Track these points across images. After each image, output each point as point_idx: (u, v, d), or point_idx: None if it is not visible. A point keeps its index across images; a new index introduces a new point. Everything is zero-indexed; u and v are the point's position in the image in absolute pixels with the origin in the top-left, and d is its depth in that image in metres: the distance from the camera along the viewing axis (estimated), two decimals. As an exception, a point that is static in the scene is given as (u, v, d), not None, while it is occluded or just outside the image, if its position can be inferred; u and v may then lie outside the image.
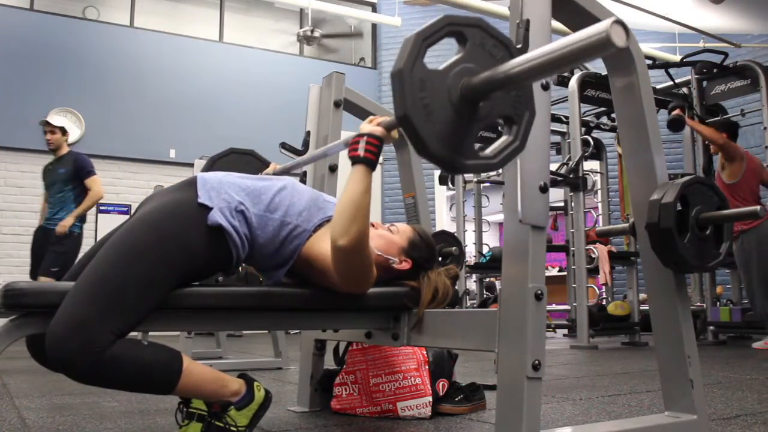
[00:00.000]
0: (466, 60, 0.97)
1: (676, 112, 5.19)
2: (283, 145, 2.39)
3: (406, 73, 0.90)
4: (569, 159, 5.30)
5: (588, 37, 0.80)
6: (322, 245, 1.50)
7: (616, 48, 0.77)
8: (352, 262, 1.44)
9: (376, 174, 1.61)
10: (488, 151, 1.00)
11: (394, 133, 1.46)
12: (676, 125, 5.12)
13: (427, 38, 0.93)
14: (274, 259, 1.54)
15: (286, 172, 2.11)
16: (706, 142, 5.17)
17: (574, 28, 1.48)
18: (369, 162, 1.42)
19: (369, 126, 1.45)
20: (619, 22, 0.78)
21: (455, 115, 0.95)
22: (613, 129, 5.88)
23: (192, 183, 1.50)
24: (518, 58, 0.93)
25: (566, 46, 0.84)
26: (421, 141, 0.92)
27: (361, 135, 1.43)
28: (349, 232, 1.39)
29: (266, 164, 2.27)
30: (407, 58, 0.91)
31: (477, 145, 1.00)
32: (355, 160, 1.43)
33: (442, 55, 0.98)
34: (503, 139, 1.02)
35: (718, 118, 5.64)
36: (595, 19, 1.44)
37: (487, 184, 7.40)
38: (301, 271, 1.54)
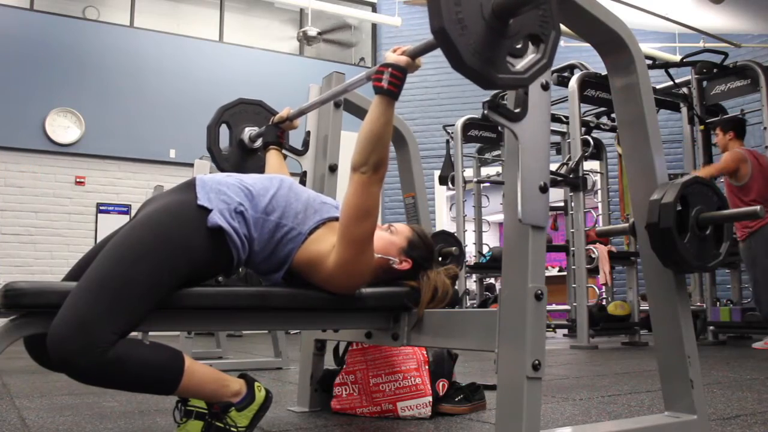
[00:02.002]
0: None
1: None
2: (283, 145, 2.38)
3: None
4: (569, 159, 5.30)
5: None
6: (317, 247, 1.50)
7: None
8: (367, 195, 1.44)
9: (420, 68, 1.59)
10: (518, 67, 1.03)
11: (419, 61, 1.46)
12: None
13: None
14: (271, 261, 1.54)
15: (300, 114, 2.08)
16: (714, 141, 5.13)
17: (574, 29, 1.49)
18: (392, 94, 1.42)
19: (393, 56, 1.44)
20: None
21: (488, 30, 0.98)
22: (613, 129, 5.88)
23: (191, 185, 1.50)
24: None
25: None
26: (456, 53, 0.94)
27: (385, 65, 1.43)
28: (370, 160, 1.43)
29: (275, 114, 2.22)
30: None
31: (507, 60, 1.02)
32: (378, 90, 1.43)
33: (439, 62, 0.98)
34: (532, 56, 1.05)
35: (718, 118, 5.64)
36: (595, 20, 1.44)
37: (487, 184, 7.40)
38: (298, 273, 1.55)
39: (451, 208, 7.18)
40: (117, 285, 1.29)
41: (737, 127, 4.82)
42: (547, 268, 5.99)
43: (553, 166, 5.13)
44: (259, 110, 2.41)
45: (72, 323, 1.23)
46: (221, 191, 1.48)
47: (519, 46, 1.05)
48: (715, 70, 5.50)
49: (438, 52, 1.00)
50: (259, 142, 2.27)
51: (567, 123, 5.95)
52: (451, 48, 0.94)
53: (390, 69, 1.41)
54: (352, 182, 1.46)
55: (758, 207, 1.44)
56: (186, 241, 1.39)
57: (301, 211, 1.54)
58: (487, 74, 0.98)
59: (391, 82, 1.41)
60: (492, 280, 8.49)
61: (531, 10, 1.03)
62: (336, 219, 1.56)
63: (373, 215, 1.48)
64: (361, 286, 1.56)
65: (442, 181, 7.00)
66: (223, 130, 2.35)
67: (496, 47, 0.99)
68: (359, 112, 2.45)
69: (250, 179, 1.56)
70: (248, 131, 2.31)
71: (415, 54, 1.43)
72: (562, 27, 1.45)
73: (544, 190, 1.21)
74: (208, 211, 1.43)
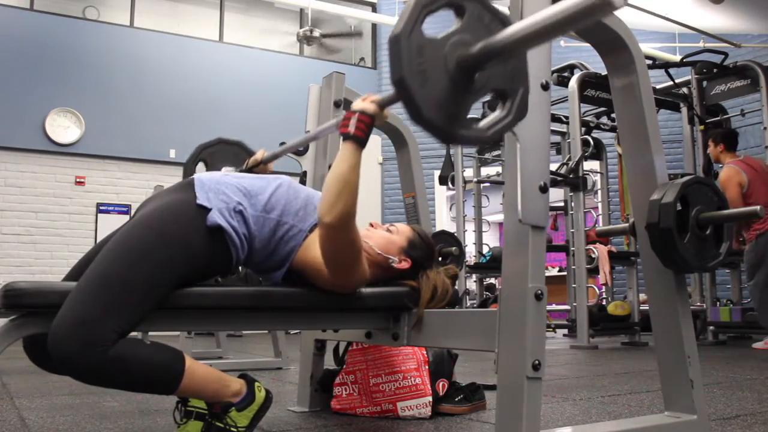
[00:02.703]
0: (463, 31, 0.97)
1: None
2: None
3: (404, 38, 0.90)
4: (569, 159, 5.30)
5: (585, 0, 0.79)
6: (318, 247, 1.50)
7: (614, 8, 0.76)
8: (338, 242, 1.43)
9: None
10: (481, 124, 1.00)
11: (386, 112, 1.44)
12: None
13: (426, 6, 0.93)
14: (271, 260, 1.54)
15: (274, 158, 2.07)
16: (708, 151, 5.14)
17: (574, 29, 1.48)
18: (358, 139, 1.40)
19: (361, 103, 1.44)
20: None
21: (451, 84, 0.95)
22: (613, 129, 5.88)
23: (189, 184, 1.50)
24: (514, 26, 0.93)
25: (563, 11, 0.83)
26: (416, 106, 0.91)
27: (353, 111, 1.42)
28: (335, 208, 1.38)
29: (251, 155, 2.22)
30: (405, 24, 0.90)
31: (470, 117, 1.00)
32: (345, 136, 1.41)
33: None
34: (497, 113, 1.01)
35: (718, 118, 5.64)
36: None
37: (487, 184, 7.40)
38: (299, 272, 1.54)
39: (451, 208, 7.19)
40: (117, 284, 1.29)
41: (727, 140, 4.85)
42: (547, 268, 5.99)
43: (553, 166, 5.13)
44: (237, 150, 2.42)
45: (72, 323, 1.23)
46: (220, 190, 1.48)
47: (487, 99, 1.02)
48: (715, 70, 5.50)
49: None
50: None
51: (567, 123, 5.95)
52: (409, 100, 0.90)
53: (357, 114, 1.40)
54: (322, 234, 1.43)
55: (758, 207, 1.44)
56: (185, 240, 1.39)
57: (302, 208, 1.54)
58: (447, 129, 0.94)
59: (358, 127, 1.40)
60: (492, 280, 8.49)
61: (498, 65, 0.99)
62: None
63: (353, 251, 1.46)
64: (361, 286, 1.56)
65: (442, 181, 7.00)
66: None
67: (458, 102, 0.96)
68: (359, 112, 2.45)
69: (249, 179, 1.56)
70: (224, 171, 2.31)
71: (384, 104, 1.42)
72: (562, 27, 1.46)
73: (544, 190, 1.21)
74: (207, 210, 1.43)
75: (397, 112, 1.64)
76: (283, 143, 2.37)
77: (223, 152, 2.40)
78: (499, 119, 1.01)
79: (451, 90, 0.95)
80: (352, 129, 1.40)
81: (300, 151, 2.30)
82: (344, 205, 1.39)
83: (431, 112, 0.92)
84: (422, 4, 0.92)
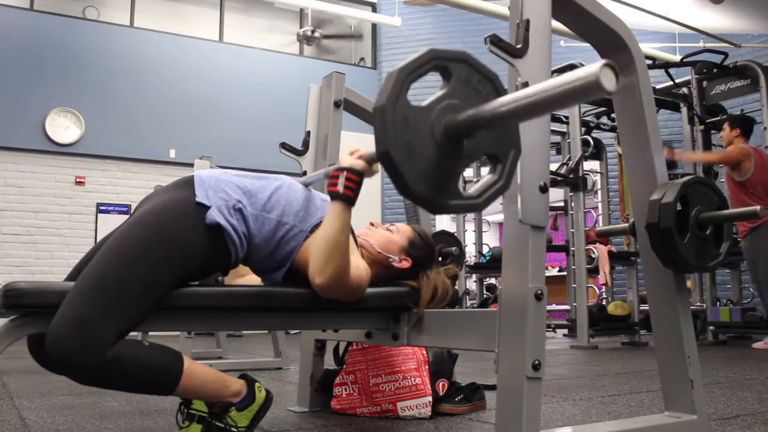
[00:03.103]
0: (450, 96, 0.95)
1: (666, 153, 5.28)
2: (283, 145, 2.39)
3: (388, 109, 0.88)
4: (569, 159, 5.30)
5: (577, 80, 0.78)
6: None
7: (606, 92, 0.75)
8: (335, 293, 1.45)
9: (376, 174, 1.58)
10: (471, 190, 0.97)
11: (376, 167, 1.44)
12: (667, 166, 5.23)
13: (411, 73, 0.91)
14: (272, 260, 1.53)
15: None
16: (720, 135, 5.16)
17: (574, 29, 1.48)
18: (348, 199, 1.41)
19: (349, 159, 1.43)
20: (610, 65, 0.75)
21: (438, 152, 0.92)
22: (613, 129, 5.88)
23: (189, 182, 1.49)
24: (503, 98, 0.91)
25: (554, 87, 0.81)
26: (402, 180, 0.89)
27: (341, 169, 1.41)
28: (326, 270, 1.39)
29: None
30: (390, 94, 0.88)
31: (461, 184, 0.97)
32: (333, 196, 1.42)
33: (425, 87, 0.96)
34: (487, 178, 0.99)
35: (718, 118, 5.64)
36: (595, 20, 1.44)
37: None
38: (300, 271, 1.54)
39: (451, 208, 7.17)
40: (115, 284, 1.29)
41: (744, 125, 4.83)
42: (547, 268, 5.99)
43: (553, 166, 5.14)
44: None
45: (70, 323, 1.23)
46: (220, 188, 1.47)
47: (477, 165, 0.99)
48: (715, 70, 5.50)
49: (441, 43, 0.99)
50: None
51: (567, 123, 5.95)
52: (395, 174, 0.89)
53: (345, 173, 1.40)
54: (318, 291, 1.44)
55: (758, 207, 1.44)
56: (184, 239, 1.38)
57: (302, 209, 1.54)
58: (436, 202, 0.92)
59: (347, 186, 1.40)
60: (492, 281, 8.49)
61: (487, 132, 0.97)
62: None
63: (354, 291, 1.48)
64: (361, 295, 1.55)
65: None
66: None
67: (446, 170, 0.93)
68: (359, 112, 2.46)
69: (249, 178, 1.56)
70: None
71: (372, 160, 1.41)
72: (562, 26, 1.46)
73: (544, 190, 1.21)
74: (206, 208, 1.43)
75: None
76: (283, 144, 2.37)
77: None
78: (491, 184, 0.98)
79: (439, 159, 0.92)
80: (340, 188, 1.40)
81: (300, 151, 2.30)
82: (334, 267, 1.40)
83: (418, 185, 0.90)
84: (406, 71, 0.90)
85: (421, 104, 0.93)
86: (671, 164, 5.33)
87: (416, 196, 0.91)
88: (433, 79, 0.95)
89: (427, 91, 0.95)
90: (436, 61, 0.94)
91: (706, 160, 5.04)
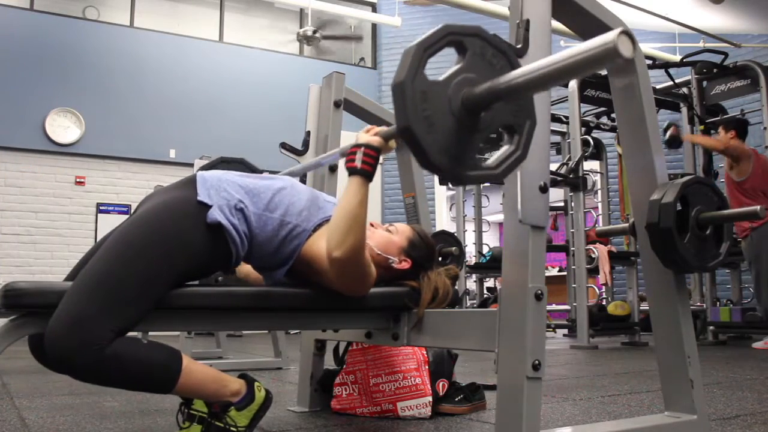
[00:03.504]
0: (466, 70, 0.97)
1: (672, 130, 5.28)
2: (283, 145, 2.39)
3: (407, 84, 0.90)
4: (569, 159, 5.30)
5: (594, 48, 0.79)
6: (321, 244, 1.50)
7: (623, 59, 0.76)
8: (348, 272, 1.45)
9: (377, 174, 1.60)
10: (490, 161, 0.99)
11: (392, 143, 1.45)
12: (672, 143, 5.24)
13: (427, 48, 0.92)
14: (274, 258, 1.54)
15: None
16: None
17: (574, 29, 1.48)
18: (366, 173, 1.41)
19: (366, 136, 1.44)
20: (627, 33, 0.77)
21: (456, 125, 0.95)
22: (613, 129, 5.88)
23: (191, 181, 1.50)
24: (520, 69, 0.93)
25: (571, 56, 0.83)
26: (423, 152, 0.91)
27: (358, 145, 1.42)
28: (344, 244, 1.39)
29: (256, 171, 2.24)
30: (408, 70, 0.90)
31: (478, 156, 0.99)
32: (351, 171, 1.42)
33: (440, 64, 0.97)
34: (505, 148, 1.01)
35: (718, 118, 5.64)
36: (595, 20, 1.44)
37: (487, 184, 7.40)
38: (301, 270, 1.54)
39: (451, 208, 7.19)
40: (114, 282, 1.29)
41: (739, 127, 4.85)
42: (547, 268, 5.99)
43: (553, 166, 5.14)
44: (240, 168, 2.43)
45: (69, 321, 1.23)
46: (221, 188, 1.48)
47: (493, 136, 1.01)
48: (715, 70, 5.50)
49: (442, 50, 0.99)
50: None
51: (567, 123, 5.95)
52: (417, 148, 0.91)
53: (363, 148, 1.41)
54: (332, 269, 1.43)
55: (758, 207, 1.43)
56: (184, 238, 1.38)
57: (305, 208, 1.54)
58: (456, 172, 0.95)
59: (364, 161, 1.40)
60: (492, 282, 8.48)
61: (503, 104, 0.99)
62: None
63: (365, 276, 1.48)
64: (370, 288, 1.55)
65: (442, 181, 6.99)
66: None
67: (465, 142, 0.96)
68: (359, 112, 2.46)
69: (251, 178, 1.57)
70: None
71: (388, 136, 1.43)
72: (562, 26, 1.46)
73: (544, 190, 1.21)
74: (207, 207, 1.43)
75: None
76: (283, 143, 2.38)
77: (226, 170, 2.43)
78: (509, 154, 1.00)
79: (458, 131, 0.95)
80: (358, 164, 1.41)
81: (300, 151, 2.30)
82: (353, 240, 1.40)
83: (439, 157, 0.92)
84: (423, 47, 0.92)
85: (438, 79, 0.94)
86: (676, 141, 5.35)
87: (437, 168, 0.93)
88: (442, 59, 0.96)
89: (437, 71, 0.96)
90: (451, 37, 0.95)
91: (708, 145, 5.02)
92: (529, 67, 0.91)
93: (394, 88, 0.90)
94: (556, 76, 0.87)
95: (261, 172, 2.26)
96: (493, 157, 1.00)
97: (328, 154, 1.79)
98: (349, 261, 1.41)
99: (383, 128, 1.46)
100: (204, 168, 2.40)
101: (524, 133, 1.02)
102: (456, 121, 0.95)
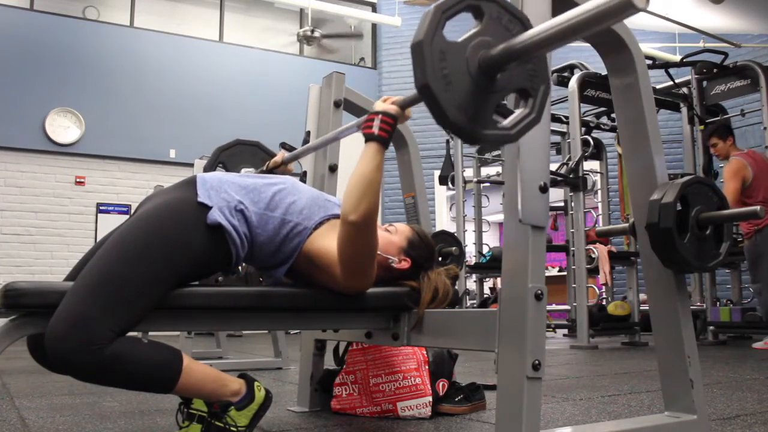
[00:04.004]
0: (482, 33, 0.99)
1: None
2: (283, 145, 2.39)
3: (426, 44, 0.92)
4: (569, 159, 5.30)
5: (608, 1, 0.80)
6: (323, 242, 1.50)
7: (637, 10, 0.77)
8: (360, 242, 1.44)
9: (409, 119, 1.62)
10: (505, 122, 1.02)
11: (408, 112, 1.47)
12: None
13: (446, 11, 0.95)
14: (275, 257, 1.54)
15: (295, 158, 2.10)
16: (707, 145, 5.16)
17: (574, 28, 1.48)
18: (383, 140, 1.44)
19: (383, 104, 1.46)
20: None
21: (473, 86, 0.97)
22: (613, 129, 5.88)
23: (191, 182, 1.50)
24: (535, 28, 0.94)
25: (586, 11, 0.84)
26: (441, 110, 0.93)
27: (375, 113, 1.44)
28: (360, 207, 1.41)
29: (271, 155, 2.24)
30: (427, 30, 0.92)
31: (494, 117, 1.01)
32: (369, 137, 1.44)
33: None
34: (519, 111, 1.03)
35: (718, 117, 5.64)
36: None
37: (487, 184, 7.40)
38: (302, 269, 1.55)
39: (451, 208, 7.18)
40: (114, 283, 1.29)
41: (731, 132, 4.90)
42: (547, 268, 5.99)
43: (553, 166, 5.13)
44: (255, 151, 2.43)
45: (69, 321, 1.23)
46: (222, 189, 1.48)
47: (505, 102, 1.03)
48: (715, 70, 5.50)
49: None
50: None
51: (567, 123, 5.95)
52: (435, 105, 0.93)
53: (381, 116, 1.43)
54: (343, 233, 1.44)
55: (758, 207, 1.43)
56: (185, 239, 1.39)
57: (306, 207, 1.55)
58: (472, 131, 0.96)
59: (382, 128, 1.42)
60: (491, 282, 8.48)
61: (519, 65, 1.01)
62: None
63: (371, 255, 1.49)
64: (371, 281, 1.55)
65: (442, 181, 7.00)
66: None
67: (482, 103, 0.98)
68: (359, 112, 2.45)
69: (252, 178, 1.57)
70: (244, 171, 2.31)
71: (405, 104, 1.45)
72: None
73: (544, 190, 1.21)
74: (207, 208, 1.43)
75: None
76: (283, 143, 2.37)
77: (241, 153, 2.42)
78: (523, 117, 1.02)
79: (474, 92, 0.97)
80: (376, 130, 1.43)
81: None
82: (368, 204, 1.42)
83: (457, 114, 0.94)
84: (442, 9, 0.94)
85: (456, 40, 0.96)
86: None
87: (455, 126, 0.95)
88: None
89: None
90: (468, 1, 0.98)
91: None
92: (545, 25, 0.92)
93: (414, 47, 0.92)
94: (571, 32, 0.88)
95: (274, 156, 2.26)
96: (508, 119, 1.02)
97: (345, 127, 1.77)
98: (364, 225, 1.42)
99: (399, 97, 1.47)
100: (221, 149, 2.38)
101: (539, 96, 1.04)
102: (473, 81, 0.97)
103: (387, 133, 1.43)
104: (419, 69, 0.92)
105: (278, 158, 2.10)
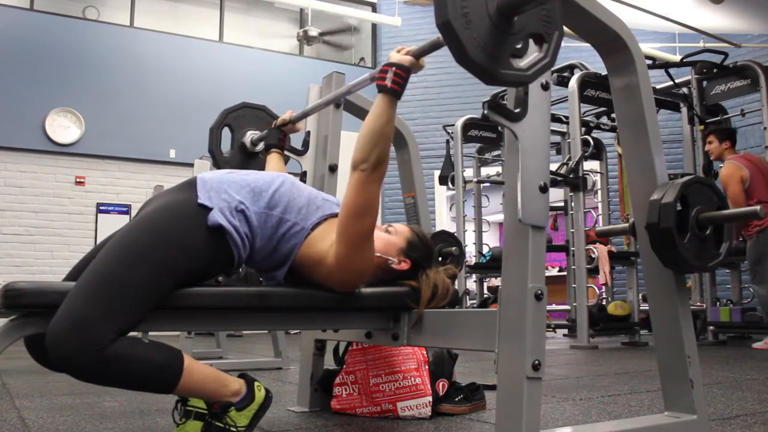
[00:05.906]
0: None
1: None
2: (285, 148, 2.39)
3: None
4: (569, 159, 5.29)
5: None
6: (319, 243, 1.51)
7: None
8: (365, 195, 1.45)
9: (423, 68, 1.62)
10: (521, 64, 1.05)
11: (422, 61, 1.47)
12: None
13: None
14: (273, 258, 1.54)
15: (304, 116, 2.10)
16: (707, 148, 5.16)
17: (574, 29, 1.48)
18: (395, 92, 1.44)
19: (397, 56, 1.46)
20: None
21: (492, 26, 1.00)
22: (613, 129, 5.87)
23: (192, 184, 1.50)
24: None
25: None
26: (461, 47, 0.96)
27: (389, 64, 1.44)
28: (371, 157, 1.43)
29: (275, 118, 2.25)
30: None
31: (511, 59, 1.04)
32: (381, 89, 1.44)
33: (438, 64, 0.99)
34: (535, 55, 1.06)
35: (718, 118, 5.64)
36: (595, 20, 1.44)
37: (487, 184, 7.40)
38: (300, 270, 1.55)
39: (451, 208, 7.18)
40: (115, 285, 1.29)
41: (732, 137, 4.90)
42: (547, 268, 5.99)
43: (553, 166, 5.13)
44: (261, 114, 2.41)
45: (70, 322, 1.23)
46: (222, 189, 1.48)
47: (520, 46, 1.06)
48: (715, 70, 5.49)
49: (439, 52, 1.01)
50: (260, 146, 2.28)
51: (567, 123, 5.95)
52: (455, 41, 0.96)
53: (394, 68, 1.43)
54: (352, 180, 1.46)
55: (758, 207, 1.43)
56: (186, 241, 1.39)
57: (304, 206, 1.55)
58: (491, 69, 0.99)
59: (394, 81, 1.42)
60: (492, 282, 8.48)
61: (535, 8, 1.04)
62: (338, 215, 1.56)
63: (372, 213, 1.48)
64: (362, 283, 1.56)
65: (442, 181, 7.00)
66: (226, 133, 2.34)
67: (500, 43, 1.01)
68: (359, 113, 2.45)
69: (252, 176, 1.57)
70: (250, 135, 2.32)
71: (419, 54, 1.45)
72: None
73: (544, 190, 1.21)
74: (208, 209, 1.43)
75: (400, 113, 1.64)
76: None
77: (248, 116, 2.41)
78: (538, 60, 1.06)
79: (493, 32, 1.00)
80: (389, 82, 1.43)
81: (300, 151, 2.30)
82: (379, 155, 1.44)
83: (475, 52, 0.97)
84: None
85: None
86: None
87: (473, 63, 0.98)
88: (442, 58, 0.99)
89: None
90: None
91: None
92: None
93: None
94: None
95: (276, 117, 2.26)
96: (524, 61, 1.05)
97: (358, 81, 1.76)
98: (373, 175, 1.44)
99: (414, 47, 1.47)
100: (227, 111, 2.37)
101: (553, 42, 1.08)
102: (491, 22, 1.00)
103: (400, 86, 1.43)
104: (441, 6, 0.95)
105: (286, 116, 2.12)
